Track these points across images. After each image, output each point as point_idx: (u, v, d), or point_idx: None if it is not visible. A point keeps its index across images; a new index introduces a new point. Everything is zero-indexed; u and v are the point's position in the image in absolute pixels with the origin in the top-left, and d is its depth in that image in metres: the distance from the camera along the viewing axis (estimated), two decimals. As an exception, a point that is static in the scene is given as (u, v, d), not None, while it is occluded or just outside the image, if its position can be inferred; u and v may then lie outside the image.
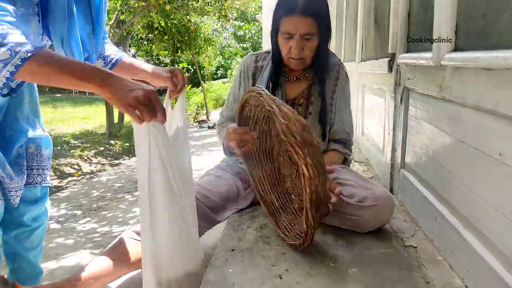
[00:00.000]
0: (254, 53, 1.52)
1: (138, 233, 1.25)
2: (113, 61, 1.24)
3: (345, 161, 1.51)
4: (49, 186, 1.26)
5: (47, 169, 1.23)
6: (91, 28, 1.08)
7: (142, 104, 0.83)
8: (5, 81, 0.77)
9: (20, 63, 0.75)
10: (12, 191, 1.06)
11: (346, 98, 1.48)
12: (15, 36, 0.76)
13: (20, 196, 1.10)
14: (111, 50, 1.26)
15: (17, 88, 0.86)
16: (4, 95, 0.85)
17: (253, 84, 1.48)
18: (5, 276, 0.76)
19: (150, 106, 0.84)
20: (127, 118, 7.73)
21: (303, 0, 1.22)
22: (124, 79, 0.84)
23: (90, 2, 1.06)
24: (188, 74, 20.67)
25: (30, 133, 1.14)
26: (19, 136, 1.11)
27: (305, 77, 1.44)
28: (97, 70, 0.83)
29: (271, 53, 1.43)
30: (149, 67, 1.25)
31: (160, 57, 17.90)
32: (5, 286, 0.73)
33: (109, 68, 1.23)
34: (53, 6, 0.94)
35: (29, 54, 0.76)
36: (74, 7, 1.00)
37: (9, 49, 0.74)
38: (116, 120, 7.26)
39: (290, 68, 1.41)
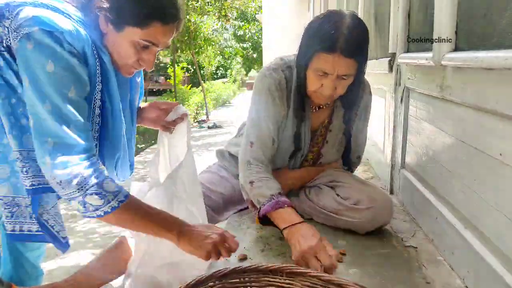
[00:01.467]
0: (276, 66, 1.26)
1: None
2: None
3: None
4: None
5: None
6: (132, 129, 1.11)
7: (220, 246, 0.92)
8: (92, 216, 0.86)
9: (109, 211, 0.85)
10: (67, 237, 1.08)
11: (366, 118, 1.40)
12: (110, 185, 0.85)
13: None
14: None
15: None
16: None
17: (286, 112, 1.27)
18: (1, 277, 0.76)
19: (226, 246, 0.93)
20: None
21: (346, 38, 1.05)
22: (197, 228, 0.93)
23: (132, 110, 1.10)
24: (188, 74, 20.68)
25: None
26: None
27: (328, 105, 1.30)
28: (174, 222, 0.92)
29: (294, 73, 1.24)
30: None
31: (160, 57, 17.91)
32: (1, 286, 0.73)
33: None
34: (112, 138, 0.98)
35: (119, 204, 0.85)
36: (125, 124, 1.04)
37: (102, 197, 0.84)
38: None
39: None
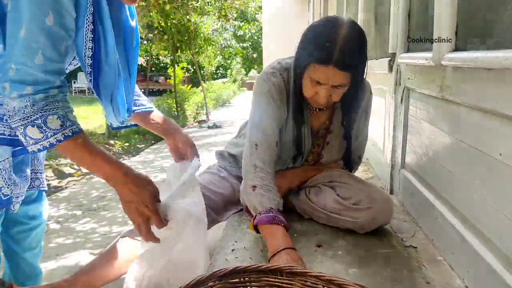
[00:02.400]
0: (275, 70, 1.27)
1: (136, 233, 1.25)
2: (145, 108, 1.27)
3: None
4: (45, 190, 1.27)
5: (42, 172, 1.24)
6: (129, 81, 1.12)
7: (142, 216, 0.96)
8: (39, 148, 0.88)
9: (62, 139, 0.87)
10: (13, 197, 1.06)
11: (366, 119, 1.40)
12: (54, 122, 0.87)
13: (20, 202, 1.10)
14: (143, 96, 1.30)
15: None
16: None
17: (286, 116, 1.28)
18: (1, 277, 0.76)
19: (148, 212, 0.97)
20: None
21: (341, 51, 1.04)
22: (136, 181, 0.95)
23: (127, 57, 1.10)
24: (188, 74, 20.68)
25: None
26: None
27: (327, 106, 1.29)
28: (118, 162, 0.95)
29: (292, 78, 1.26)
30: (170, 128, 1.28)
31: (160, 57, 17.91)
32: (1, 287, 0.73)
33: (140, 111, 1.27)
34: (105, 66, 0.97)
35: (57, 142, 0.87)
36: (120, 64, 1.03)
37: (42, 131, 0.86)
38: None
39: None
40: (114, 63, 0.99)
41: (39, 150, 0.88)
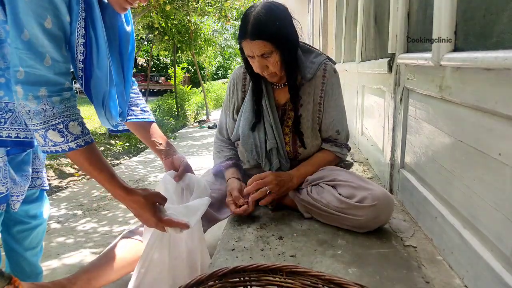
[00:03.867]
0: (242, 65, 1.51)
1: (137, 233, 1.26)
2: (146, 117, 1.30)
3: (342, 162, 1.51)
4: (46, 190, 1.27)
5: (44, 171, 1.24)
6: (123, 86, 1.14)
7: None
8: (49, 151, 0.92)
9: (67, 150, 0.90)
10: (13, 195, 1.07)
11: (334, 94, 1.44)
12: (75, 128, 0.91)
13: (21, 201, 1.10)
14: (144, 104, 1.33)
15: None
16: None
17: (243, 97, 1.51)
18: (3, 269, 0.76)
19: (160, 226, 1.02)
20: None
21: (251, 25, 1.24)
22: (134, 199, 0.98)
23: (122, 62, 1.11)
24: (189, 75, 20.67)
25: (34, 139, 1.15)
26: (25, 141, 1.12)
27: (273, 76, 1.40)
28: (122, 182, 0.98)
29: None
30: (171, 150, 1.34)
31: (161, 57, 17.91)
32: (1, 279, 0.73)
33: (138, 119, 1.29)
34: (96, 70, 0.99)
35: (77, 147, 0.91)
36: (112, 69, 1.05)
37: (63, 136, 0.90)
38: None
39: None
40: (106, 68, 1.00)
41: (56, 152, 0.91)
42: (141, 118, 1.28)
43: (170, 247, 1.11)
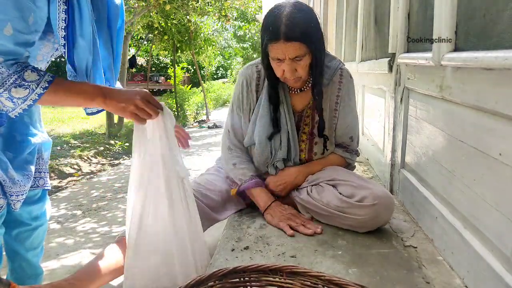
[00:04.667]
0: (253, 63, 1.45)
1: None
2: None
3: (348, 166, 1.50)
4: (49, 189, 1.27)
5: (46, 171, 1.24)
6: (111, 59, 1.14)
7: (143, 108, 1.00)
8: (24, 108, 0.92)
9: (37, 98, 0.91)
10: (13, 195, 1.06)
11: (350, 100, 1.43)
12: (31, 74, 0.90)
13: (22, 201, 1.10)
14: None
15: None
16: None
17: (258, 97, 1.42)
18: (0, 275, 0.76)
19: (150, 106, 1.00)
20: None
21: (285, 25, 1.17)
22: (121, 91, 1.00)
23: (111, 35, 1.11)
24: (188, 74, 20.68)
25: (38, 138, 1.15)
26: (28, 140, 1.12)
27: (309, 87, 1.39)
28: (97, 89, 0.98)
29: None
30: None
31: (160, 57, 17.90)
32: (0, 284, 0.73)
33: None
34: (79, 38, 0.98)
35: (44, 90, 0.91)
36: (98, 40, 1.04)
37: (26, 87, 0.90)
38: (116, 120, 7.26)
39: None
40: (89, 36, 0.99)
41: (29, 106, 0.91)
42: None
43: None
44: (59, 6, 0.93)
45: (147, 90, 1.03)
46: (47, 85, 0.91)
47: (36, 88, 0.89)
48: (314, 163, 1.43)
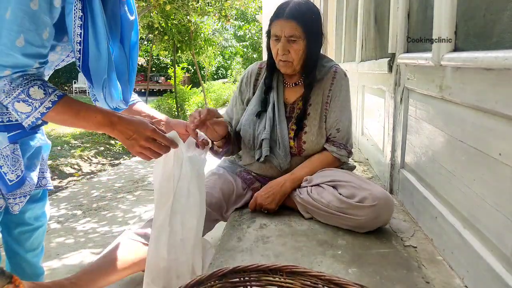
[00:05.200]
0: (259, 62, 1.60)
1: (139, 235, 1.26)
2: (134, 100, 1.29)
3: (342, 165, 1.50)
4: (51, 189, 1.27)
5: (47, 171, 1.24)
6: (127, 74, 1.14)
7: (148, 148, 0.99)
8: (34, 121, 0.91)
9: (40, 117, 0.90)
10: (10, 198, 1.05)
11: (341, 95, 1.46)
12: (37, 92, 0.89)
13: (21, 204, 1.09)
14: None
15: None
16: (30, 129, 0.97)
17: (254, 90, 1.55)
18: (4, 268, 0.76)
19: (156, 145, 1.01)
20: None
21: (290, 6, 1.34)
22: (131, 123, 0.98)
23: (125, 51, 1.11)
24: (189, 74, 20.68)
25: (37, 141, 1.14)
26: (27, 143, 1.11)
27: (302, 83, 1.47)
28: (106, 117, 0.96)
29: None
30: (161, 117, 1.31)
31: (161, 57, 17.90)
32: (2, 277, 0.73)
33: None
34: (95, 51, 0.98)
35: (47, 110, 0.89)
36: (112, 52, 1.04)
37: (29, 104, 0.89)
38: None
39: (287, 74, 1.48)
40: (105, 51, 0.99)
41: (33, 123, 0.90)
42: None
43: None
44: (74, 20, 0.93)
45: (153, 127, 1.01)
46: (50, 105, 0.90)
47: (39, 106, 0.89)
48: (298, 168, 1.43)
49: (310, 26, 1.35)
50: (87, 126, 0.97)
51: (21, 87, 0.87)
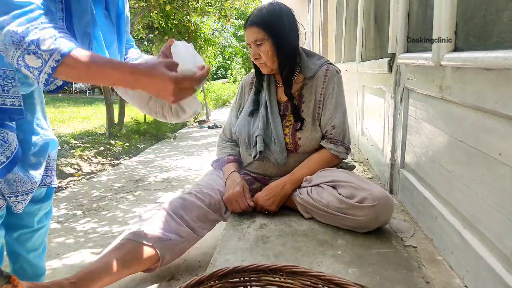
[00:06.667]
0: (252, 72, 1.65)
1: (139, 235, 1.26)
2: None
3: (343, 163, 1.51)
4: (55, 187, 1.25)
5: (53, 170, 1.23)
6: (116, 44, 1.09)
7: (183, 91, 0.86)
8: (47, 77, 0.82)
9: (51, 72, 0.80)
10: (11, 196, 1.03)
11: (334, 92, 1.46)
12: (47, 41, 0.79)
13: (24, 203, 1.08)
14: (132, 53, 1.24)
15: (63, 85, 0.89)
16: (50, 91, 0.88)
17: (249, 92, 1.62)
18: (2, 268, 0.76)
19: (187, 87, 0.87)
20: (127, 118, 7.73)
21: (252, 14, 1.43)
22: (148, 65, 0.85)
23: (113, 22, 1.07)
24: (188, 74, 20.64)
25: (42, 137, 1.13)
26: (31, 139, 1.10)
27: (295, 82, 1.51)
28: (123, 67, 0.85)
29: None
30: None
31: (160, 57, 17.83)
32: (0, 277, 0.73)
33: None
34: (77, 9, 0.94)
35: (57, 63, 0.80)
36: (100, 22, 1.01)
37: (39, 56, 0.79)
38: (116, 120, 7.26)
39: (279, 76, 1.51)
40: (86, 6, 0.95)
41: (49, 82, 0.82)
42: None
43: None
44: None
45: (170, 60, 0.89)
46: (59, 58, 0.80)
47: (48, 59, 0.79)
48: (298, 169, 1.44)
49: (272, 26, 1.39)
50: (103, 82, 0.88)
51: (32, 35, 0.78)
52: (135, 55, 1.23)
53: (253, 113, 1.53)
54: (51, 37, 0.81)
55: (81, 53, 0.82)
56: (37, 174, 1.10)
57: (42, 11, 0.83)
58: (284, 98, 1.52)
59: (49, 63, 0.80)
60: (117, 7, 1.09)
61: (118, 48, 1.11)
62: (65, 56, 0.80)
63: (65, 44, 0.81)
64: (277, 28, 1.40)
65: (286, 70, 1.46)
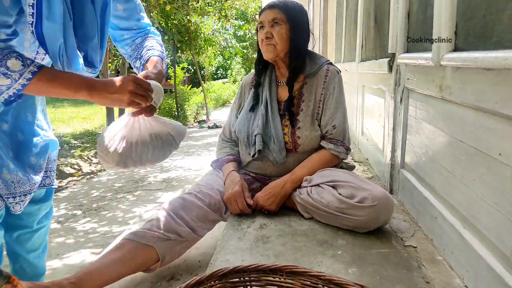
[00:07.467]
0: (252, 72, 1.66)
1: (139, 235, 1.26)
2: (143, 61, 1.25)
3: (340, 163, 1.50)
4: (54, 188, 1.25)
5: (53, 171, 1.22)
6: (97, 39, 1.09)
7: (138, 93, 0.97)
8: (10, 96, 0.90)
9: (21, 88, 0.89)
10: (9, 197, 1.03)
11: (335, 92, 1.47)
12: (15, 63, 0.87)
13: (23, 204, 1.07)
14: (148, 46, 1.26)
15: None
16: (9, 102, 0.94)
17: (249, 92, 1.62)
18: (1, 268, 0.76)
19: (143, 90, 0.99)
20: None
21: (274, 1, 1.46)
22: (109, 82, 0.96)
23: (96, 14, 1.06)
24: (189, 74, 20.68)
25: (42, 138, 1.13)
26: (31, 140, 1.10)
27: (295, 81, 1.51)
28: (83, 81, 0.94)
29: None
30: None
31: (160, 57, 17.84)
32: (0, 277, 0.73)
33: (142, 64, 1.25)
34: (48, 15, 0.93)
35: (27, 81, 0.88)
36: (71, 20, 1.00)
37: (8, 76, 0.87)
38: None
39: (281, 73, 1.53)
40: (58, 13, 0.95)
41: (14, 95, 0.88)
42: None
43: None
44: None
45: (132, 75, 1.01)
46: (30, 76, 0.88)
47: (18, 78, 0.87)
48: (298, 169, 1.44)
49: (294, 14, 1.42)
50: (67, 92, 0.94)
51: None
52: (150, 45, 1.26)
53: (254, 108, 1.54)
54: (17, 58, 0.87)
55: (50, 72, 0.92)
56: (36, 175, 1.10)
57: (6, 45, 0.90)
58: (284, 97, 1.52)
59: (19, 81, 0.88)
60: (102, 4, 1.08)
61: (100, 43, 1.11)
62: (36, 75, 0.89)
63: (32, 62, 0.89)
64: (298, 19, 1.44)
65: (294, 62, 1.47)
